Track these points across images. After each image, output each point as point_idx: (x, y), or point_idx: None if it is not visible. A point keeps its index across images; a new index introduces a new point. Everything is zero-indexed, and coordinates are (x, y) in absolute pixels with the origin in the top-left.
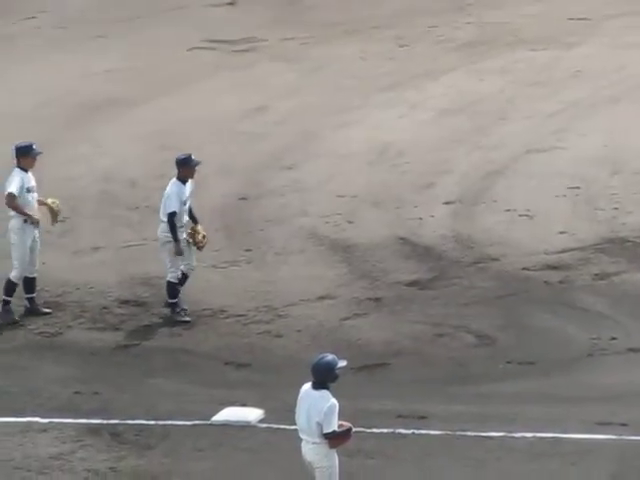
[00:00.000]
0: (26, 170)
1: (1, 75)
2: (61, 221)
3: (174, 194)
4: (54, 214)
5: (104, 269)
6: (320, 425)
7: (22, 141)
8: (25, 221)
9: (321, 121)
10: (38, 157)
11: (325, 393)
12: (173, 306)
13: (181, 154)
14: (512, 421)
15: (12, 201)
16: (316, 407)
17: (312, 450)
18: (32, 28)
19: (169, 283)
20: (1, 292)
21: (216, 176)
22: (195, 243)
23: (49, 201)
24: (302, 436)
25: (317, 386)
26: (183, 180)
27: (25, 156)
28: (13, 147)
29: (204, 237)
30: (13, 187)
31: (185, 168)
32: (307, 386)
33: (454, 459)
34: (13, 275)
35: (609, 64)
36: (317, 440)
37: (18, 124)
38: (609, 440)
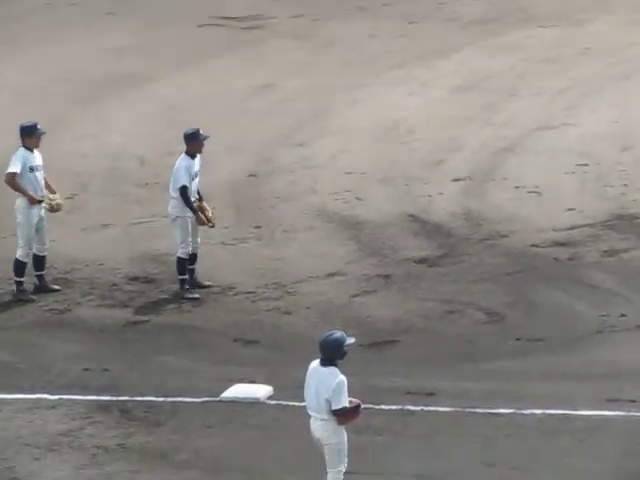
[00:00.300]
0: (31, 149)
1: (12, 52)
2: (69, 198)
3: (183, 168)
4: (58, 206)
5: (113, 246)
6: (329, 402)
7: (27, 120)
8: (29, 201)
9: (331, 98)
10: (44, 136)
11: (333, 370)
12: (182, 282)
13: (189, 129)
14: (521, 398)
15: (11, 179)
16: (325, 384)
17: (321, 427)
18: (43, 5)
19: (179, 259)
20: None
21: (225, 153)
22: (207, 220)
23: (51, 197)
24: (311, 413)
25: (325, 363)
26: (192, 155)
27: (29, 136)
28: (18, 127)
29: (212, 214)
30: (13, 167)
31: (193, 142)
32: (315, 363)
33: (463, 436)
34: (19, 254)
35: (619, 41)
36: (326, 417)
37: (29, 101)
38: (618, 416)
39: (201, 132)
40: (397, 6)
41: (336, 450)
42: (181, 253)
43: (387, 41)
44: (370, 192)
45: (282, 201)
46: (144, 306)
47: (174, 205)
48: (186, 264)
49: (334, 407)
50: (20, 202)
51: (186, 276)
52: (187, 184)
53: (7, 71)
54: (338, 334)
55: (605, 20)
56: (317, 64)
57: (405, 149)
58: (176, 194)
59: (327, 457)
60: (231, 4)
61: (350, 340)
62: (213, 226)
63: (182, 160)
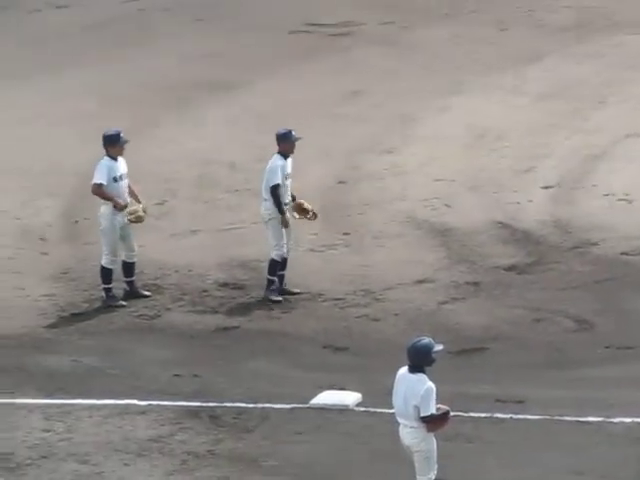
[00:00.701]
0: (115, 158)
1: (103, 58)
2: (159, 204)
3: (277, 167)
4: (138, 218)
5: (203, 252)
6: (417, 408)
7: (110, 129)
8: (114, 207)
9: (419, 105)
10: (131, 143)
11: (422, 376)
12: (269, 283)
13: (281, 128)
14: (610, 406)
15: (98, 190)
16: (413, 390)
17: (410, 434)
18: (136, 11)
19: (272, 261)
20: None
21: (315, 159)
22: (307, 213)
23: (140, 207)
24: (399, 420)
25: (414, 369)
26: (285, 155)
27: (113, 144)
28: (102, 135)
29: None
30: (98, 177)
31: (285, 143)
32: (403, 370)
33: (552, 444)
34: (104, 262)
35: None
36: (415, 424)
37: (119, 106)
38: None
39: (293, 132)
40: (485, 13)
41: (426, 457)
42: (275, 255)
43: (475, 48)
44: (459, 199)
45: (371, 208)
46: (234, 312)
47: (267, 207)
48: (277, 267)
49: (423, 414)
50: (104, 209)
51: (275, 278)
52: (280, 183)
53: (98, 78)
54: (426, 340)
55: None
56: (406, 71)
57: (494, 156)
58: (268, 195)
59: (417, 464)
60: (321, 11)
61: (438, 347)
62: (314, 217)
63: (276, 159)
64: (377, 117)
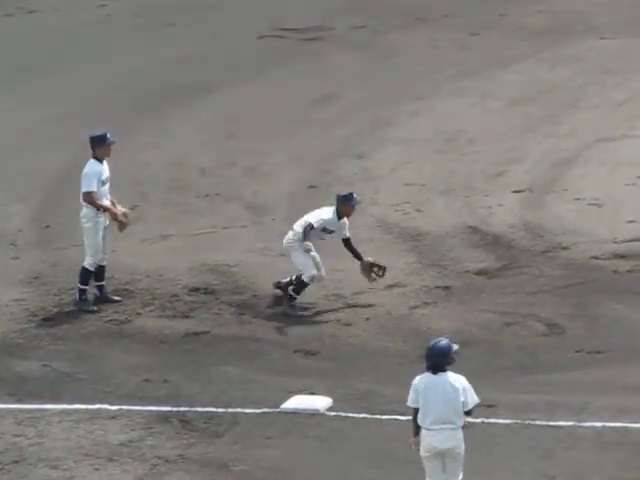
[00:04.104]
0: (101, 160)
1: (74, 63)
2: (131, 209)
3: (319, 216)
4: (123, 226)
5: (173, 257)
6: (464, 403)
7: (95, 130)
8: (98, 209)
9: (391, 109)
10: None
11: (452, 373)
12: (292, 299)
13: (344, 192)
14: (581, 410)
15: (90, 198)
16: (455, 387)
17: (453, 436)
18: (105, 16)
19: (303, 282)
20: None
21: (286, 164)
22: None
23: (120, 213)
24: (436, 426)
25: (438, 370)
26: (340, 215)
27: (100, 145)
28: (88, 137)
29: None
30: (90, 185)
31: (345, 206)
32: (425, 376)
33: (523, 448)
34: (87, 263)
35: None
36: (458, 423)
37: (89, 111)
38: None
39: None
40: (458, 17)
41: (462, 457)
42: (306, 278)
43: (448, 52)
44: (430, 203)
45: None
46: (204, 317)
47: (293, 237)
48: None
49: (471, 404)
50: (87, 210)
51: (297, 297)
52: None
53: (68, 82)
54: (445, 341)
55: None
56: (378, 75)
57: (465, 160)
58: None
59: (452, 467)
60: (291, 15)
61: (456, 346)
62: (383, 272)
63: (327, 213)
64: (348, 122)
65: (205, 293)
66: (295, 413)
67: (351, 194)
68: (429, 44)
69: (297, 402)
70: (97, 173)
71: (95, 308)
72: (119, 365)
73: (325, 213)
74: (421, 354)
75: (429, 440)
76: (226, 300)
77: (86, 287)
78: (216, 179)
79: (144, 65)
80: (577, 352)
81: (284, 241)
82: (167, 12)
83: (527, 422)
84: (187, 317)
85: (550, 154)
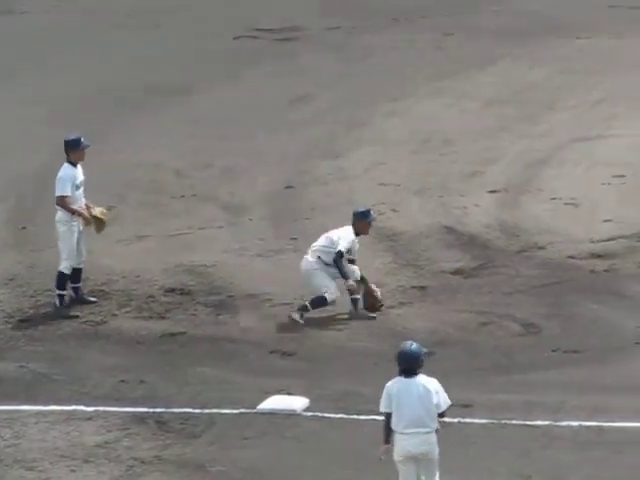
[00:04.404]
0: (75, 164)
1: (48, 63)
2: (107, 209)
3: (347, 240)
4: (101, 224)
5: (150, 257)
6: (437, 406)
7: (70, 134)
8: (72, 213)
9: (366, 110)
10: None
11: (423, 376)
12: (305, 310)
13: (360, 208)
14: (557, 410)
15: (62, 202)
16: (427, 390)
17: (427, 440)
18: (80, 17)
19: (324, 300)
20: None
21: (261, 164)
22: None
23: (98, 211)
24: (411, 430)
25: (411, 374)
26: (357, 233)
27: (74, 150)
28: (64, 140)
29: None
30: (63, 189)
31: (362, 222)
32: (398, 380)
33: (499, 448)
34: (63, 267)
35: None
36: (433, 426)
37: (65, 113)
38: None
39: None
40: (434, 18)
41: (437, 460)
42: (329, 297)
43: (423, 53)
44: (406, 204)
45: (318, 212)
46: (180, 318)
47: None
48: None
49: (444, 406)
50: (62, 214)
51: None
52: (344, 251)
53: (42, 84)
54: (415, 345)
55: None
56: (353, 76)
57: (441, 161)
58: (330, 258)
59: (428, 470)
60: (266, 16)
61: (424, 349)
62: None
63: (346, 232)
64: (323, 122)
65: (181, 294)
66: (272, 414)
67: (368, 210)
68: (404, 45)
69: (274, 402)
70: (71, 177)
71: (77, 313)
72: (95, 366)
73: (347, 233)
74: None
75: (403, 444)
76: (202, 301)
77: (64, 292)
78: (192, 180)
79: (121, 66)
80: (553, 351)
81: (306, 266)
82: (147, 14)
83: (503, 422)
84: (163, 318)
85: (526, 154)
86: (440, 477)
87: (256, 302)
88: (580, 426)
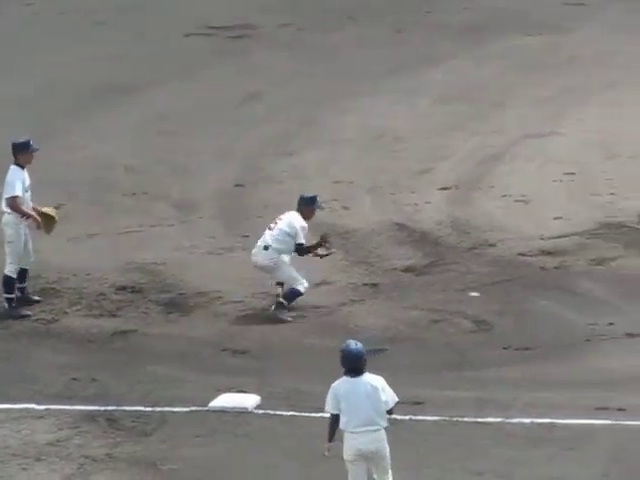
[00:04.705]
0: (23, 167)
1: (1, 61)
2: (56, 207)
3: (303, 227)
4: (51, 224)
5: (101, 255)
6: (386, 403)
7: (19, 137)
8: (22, 215)
9: (319, 107)
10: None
11: (369, 374)
12: (282, 306)
13: (307, 194)
14: (509, 407)
15: (14, 203)
16: (375, 387)
17: (377, 438)
18: (31, 14)
19: (297, 292)
20: None
21: (213, 162)
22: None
23: (48, 210)
24: (360, 429)
25: (357, 374)
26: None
27: (23, 152)
28: (12, 143)
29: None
30: (14, 189)
31: (309, 208)
32: (345, 380)
33: (451, 445)
34: (8, 270)
35: (605, 49)
36: (382, 423)
37: (17, 110)
38: (606, 425)
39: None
40: (385, 15)
41: (388, 458)
42: (301, 287)
43: (375, 50)
44: (358, 201)
45: (269, 210)
46: (132, 315)
47: (269, 255)
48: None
49: (392, 404)
50: (10, 217)
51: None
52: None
53: None
54: (358, 344)
55: (591, 28)
56: (305, 73)
57: (393, 158)
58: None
59: (380, 467)
60: (218, 14)
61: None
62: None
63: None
64: (276, 120)
65: (132, 292)
66: (223, 411)
67: (315, 196)
68: (356, 42)
69: (225, 400)
70: (21, 179)
71: (29, 312)
72: (47, 364)
73: (299, 221)
74: None
75: (353, 443)
76: (153, 299)
77: (12, 295)
78: (143, 178)
79: (72, 64)
80: (505, 348)
81: (262, 260)
82: (95, 11)
83: (455, 419)
84: (115, 316)
85: (477, 151)
86: (392, 474)
87: (207, 300)
88: (532, 423)
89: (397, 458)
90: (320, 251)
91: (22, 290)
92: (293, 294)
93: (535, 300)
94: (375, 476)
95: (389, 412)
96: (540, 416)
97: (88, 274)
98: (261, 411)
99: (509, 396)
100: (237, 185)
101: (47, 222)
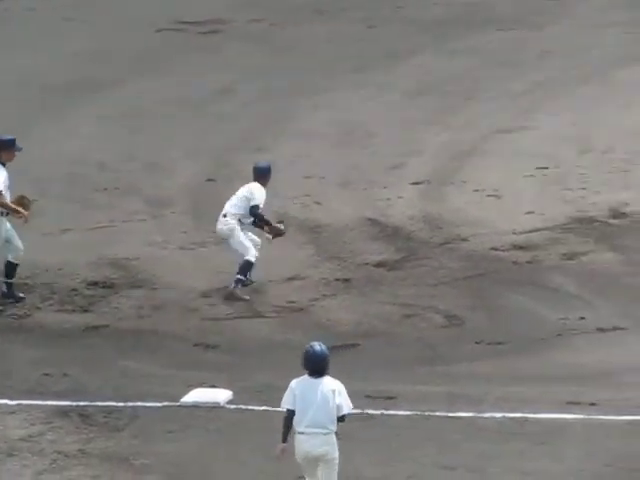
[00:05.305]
0: (4, 164)
1: None
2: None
3: (261, 192)
4: (27, 204)
5: (73, 251)
6: (339, 407)
7: (4, 135)
8: (8, 210)
9: (290, 103)
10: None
11: (329, 377)
12: (240, 282)
13: (261, 162)
14: (481, 401)
15: (2, 199)
16: (331, 390)
17: (325, 441)
18: (0, 11)
19: (250, 262)
20: None
21: (185, 158)
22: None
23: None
24: (309, 430)
25: (318, 375)
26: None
27: (8, 150)
28: None
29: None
30: (2, 185)
31: (265, 177)
32: (304, 379)
33: (423, 440)
34: None
35: (577, 44)
36: (332, 427)
37: None
38: (578, 420)
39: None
40: (356, 10)
41: (336, 464)
42: (251, 256)
43: (346, 45)
44: (329, 196)
45: None
46: (104, 311)
47: (226, 222)
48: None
49: (346, 411)
50: None
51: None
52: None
53: None
54: (322, 345)
55: (563, 23)
56: (277, 68)
57: (365, 153)
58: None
59: (326, 472)
60: (188, 9)
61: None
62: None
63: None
64: (247, 115)
65: (104, 287)
66: (195, 406)
67: (269, 165)
68: (328, 37)
69: (197, 395)
70: (6, 176)
71: (0, 307)
72: (18, 359)
73: (256, 186)
74: None
75: (303, 446)
76: (125, 294)
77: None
78: (115, 173)
79: (42, 60)
80: (477, 343)
81: (222, 227)
82: (65, 7)
83: (427, 413)
84: (86, 311)
85: (449, 146)
86: (366, 468)
87: (179, 295)
88: (504, 417)
89: (369, 453)
90: (273, 229)
91: (9, 286)
92: (245, 266)
93: (507, 295)
94: None
95: (341, 419)
96: (512, 411)
97: (60, 269)
98: (233, 406)
99: (481, 391)
100: (209, 180)
101: (25, 207)
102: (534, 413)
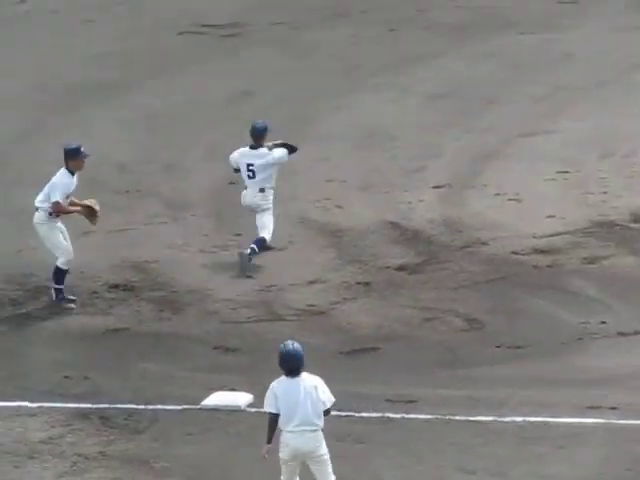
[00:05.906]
0: (73, 173)
1: None
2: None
3: (61, 185)
4: (94, 215)
5: (94, 254)
6: (323, 404)
7: (71, 142)
8: (50, 214)
9: (311, 106)
10: (27, 145)
11: (306, 374)
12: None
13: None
14: (501, 405)
15: (57, 207)
16: (313, 387)
17: (313, 438)
18: (23, 12)
19: (264, 240)
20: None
21: (206, 161)
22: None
23: (91, 202)
24: (297, 429)
25: (296, 374)
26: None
27: (74, 158)
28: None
29: None
30: (56, 194)
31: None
32: (283, 379)
33: (443, 443)
34: (61, 262)
35: (599, 48)
36: (319, 424)
37: (7, 108)
38: (598, 424)
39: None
40: (377, 13)
41: (328, 459)
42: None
43: (367, 48)
44: (350, 199)
45: None
46: (124, 313)
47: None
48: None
49: (329, 404)
50: (40, 215)
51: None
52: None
53: None
54: (296, 343)
55: (584, 27)
56: (297, 71)
57: (385, 156)
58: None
59: (320, 470)
60: (211, 12)
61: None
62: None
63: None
64: (268, 118)
65: (125, 290)
66: (215, 409)
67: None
68: (348, 40)
69: (217, 398)
70: (66, 186)
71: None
72: (39, 362)
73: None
74: (342, 350)
75: (290, 443)
76: (146, 297)
77: (61, 286)
78: (136, 175)
79: (63, 62)
80: (497, 347)
81: (259, 202)
82: (87, 9)
83: (447, 417)
84: (107, 314)
85: (469, 149)
86: (390, 472)
87: (199, 298)
88: (524, 421)
89: (389, 456)
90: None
91: (57, 291)
92: (261, 242)
93: (527, 299)
94: None
95: (326, 412)
96: (532, 414)
97: (81, 272)
98: (253, 409)
99: (501, 394)
100: (230, 183)
101: (90, 214)
102: (554, 417)
